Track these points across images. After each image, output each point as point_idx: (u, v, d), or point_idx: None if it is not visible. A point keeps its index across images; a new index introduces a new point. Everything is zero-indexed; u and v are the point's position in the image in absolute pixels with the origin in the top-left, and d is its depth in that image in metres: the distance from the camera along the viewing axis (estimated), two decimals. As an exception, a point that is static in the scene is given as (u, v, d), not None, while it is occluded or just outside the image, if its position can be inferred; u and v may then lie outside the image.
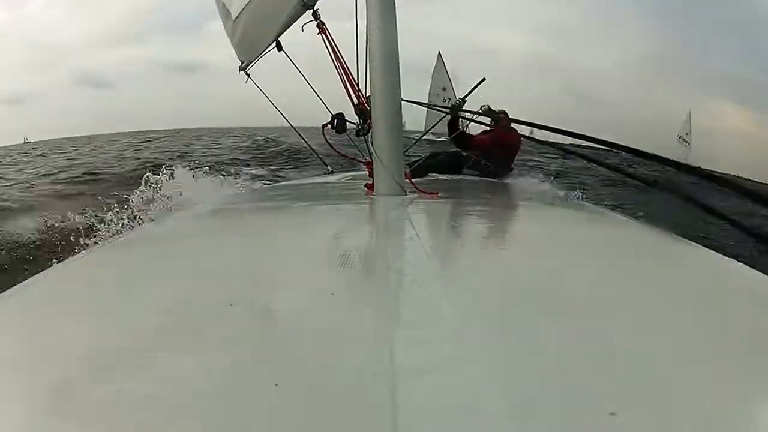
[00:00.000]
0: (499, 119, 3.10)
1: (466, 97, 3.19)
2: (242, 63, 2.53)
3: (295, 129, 3.00)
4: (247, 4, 2.19)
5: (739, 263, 0.77)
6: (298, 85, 2.30)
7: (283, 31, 2.11)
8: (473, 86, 3.14)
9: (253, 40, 2.31)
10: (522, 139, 3.56)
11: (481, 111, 3.25)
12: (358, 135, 1.68)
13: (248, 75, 2.53)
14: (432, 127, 3.49)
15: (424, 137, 3.81)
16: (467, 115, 3.24)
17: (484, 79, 3.10)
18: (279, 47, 2.24)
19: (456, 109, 3.14)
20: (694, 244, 0.91)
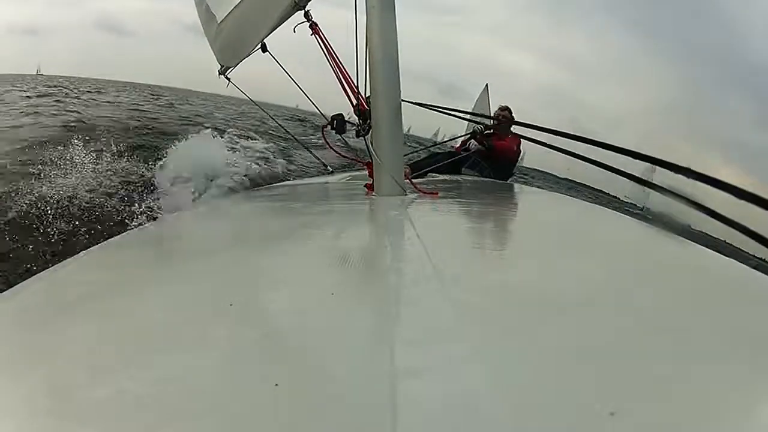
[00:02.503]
0: (498, 126, 3.18)
1: (490, 134, 3.31)
2: (221, 67, 2.51)
3: (291, 134, 3.00)
4: (236, 6, 2.16)
5: (739, 263, 0.76)
6: (290, 76, 2.29)
7: (270, 33, 2.08)
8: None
9: (239, 43, 2.28)
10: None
11: (498, 110, 3.38)
12: (357, 135, 1.68)
13: (228, 79, 2.52)
14: (460, 136, 3.62)
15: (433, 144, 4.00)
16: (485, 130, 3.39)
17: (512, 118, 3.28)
18: (264, 49, 2.22)
19: (476, 134, 3.27)
20: (694, 243, 0.91)
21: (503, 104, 3.60)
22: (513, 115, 3.57)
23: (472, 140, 3.52)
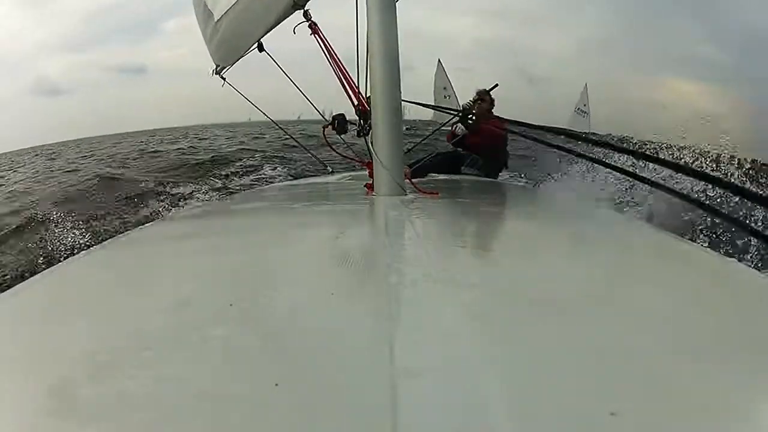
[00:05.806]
0: (478, 114, 3.12)
1: (476, 101, 3.23)
2: (217, 66, 2.50)
3: (287, 132, 2.98)
4: (234, 4, 2.13)
5: (739, 263, 0.77)
6: (286, 82, 2.27)
7: (268, 32, 2.06)
8: (486, 90, 3.21)
9: (235, 42, 2.25)
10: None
11: (471, 100, 3.31)
12: (358, 135, 1.68)
13: (224, 78, 2.50)
14: (439, 127, 3.53)
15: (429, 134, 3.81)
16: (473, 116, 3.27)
17: (497, 85, 3.16)
18: (260, 48, 2.20)
19: (467, 113, 3.14)
20: (694, 244, 0.91)
21: (480, 89, 3.46)
22: (492, 98, 3.47)
23: (459, 125, 3.42)
